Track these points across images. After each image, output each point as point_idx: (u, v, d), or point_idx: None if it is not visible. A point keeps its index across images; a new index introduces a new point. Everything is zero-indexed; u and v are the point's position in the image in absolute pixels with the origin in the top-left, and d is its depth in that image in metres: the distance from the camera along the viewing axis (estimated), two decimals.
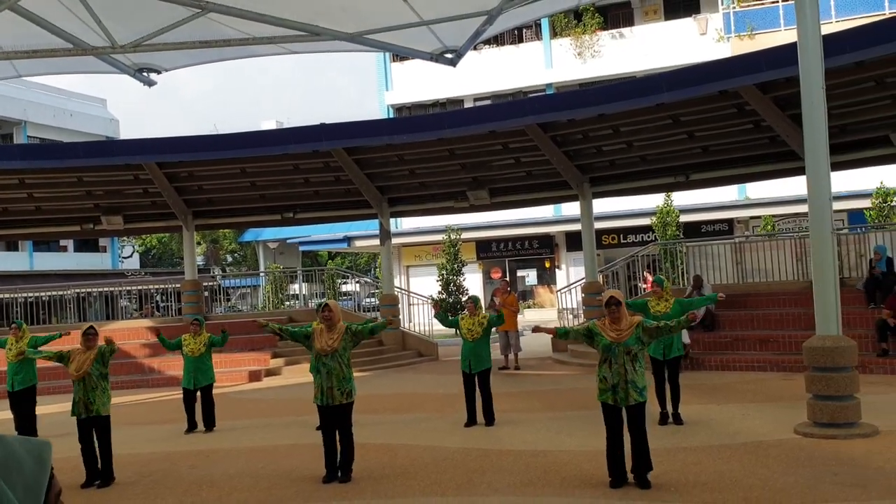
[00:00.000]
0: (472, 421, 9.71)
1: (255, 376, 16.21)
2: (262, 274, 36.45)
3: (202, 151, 16.00)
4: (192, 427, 10.75)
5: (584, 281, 17.54)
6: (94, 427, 7.88)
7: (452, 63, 16.98)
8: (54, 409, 13.52)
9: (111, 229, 18.15)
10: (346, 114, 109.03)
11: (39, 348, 10.85)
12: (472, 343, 9.68)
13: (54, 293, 23.30)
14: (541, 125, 15.09)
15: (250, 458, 8.79)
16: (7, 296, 22.28)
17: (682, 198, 23.94)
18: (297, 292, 31.18)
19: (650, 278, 17.24)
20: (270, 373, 16.65)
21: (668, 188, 16.96)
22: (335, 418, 7.46)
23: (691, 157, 15.80)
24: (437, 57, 16.72)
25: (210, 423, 10.80)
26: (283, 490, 7.35)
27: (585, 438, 8.54)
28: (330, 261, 47.93)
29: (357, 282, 38.60)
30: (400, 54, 16.02)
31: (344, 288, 32.14)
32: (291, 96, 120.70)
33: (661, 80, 13.61)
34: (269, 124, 44.81)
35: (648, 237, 27.44)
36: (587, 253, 17.05)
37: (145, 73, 17.26)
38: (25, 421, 10.94)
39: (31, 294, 24.01)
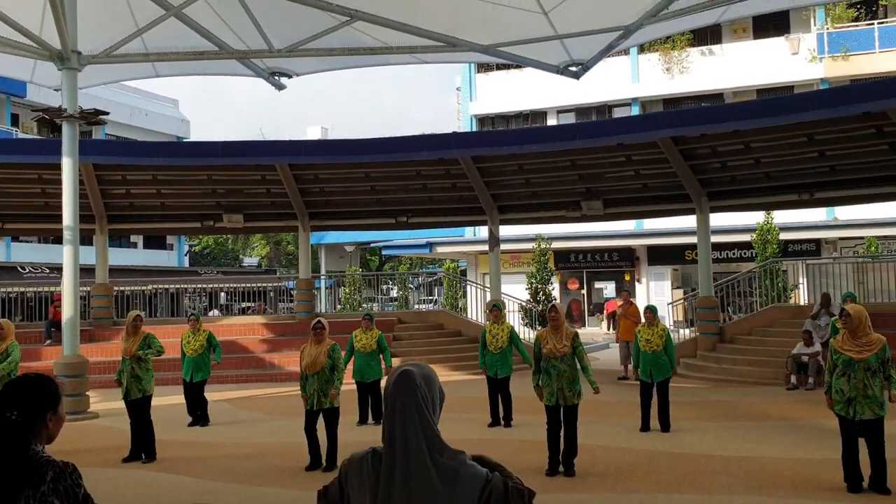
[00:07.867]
0: (646, 427, 9.98)
1: None
2: (322, 276, 37.13)
3: (337, 155, 16.41)
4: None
5: (697, 295, 17.72)
6: (324, 416, 8.19)
7: (576, 76, 17.26)
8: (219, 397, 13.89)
9: (231, 227, 18.59)
10: (385, 124, 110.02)
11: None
12: (651, 354, 9.92)
13: (159, 287, 23.83)
14: (673, 138, 15.32)
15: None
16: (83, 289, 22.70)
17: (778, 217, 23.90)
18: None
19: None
20: None
21: (791, 205, 17.05)
22: (564, 417, 7.74)
23: (818, 174, 15.88)
24: (562, 70, 17.04)
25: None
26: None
27: (785, 448, 8.76)
28: (399, 265, 48.41)
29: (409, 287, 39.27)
30: (526, 65, 16.32)
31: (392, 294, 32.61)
32: (332, 106, 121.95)
33: (807, 100, 13.79)
34: (314, 131, 45.65)
35: (733, 254, 27.51)
36: (702, 268, 17.17)
37: (276, 77, 17.79)
38: (199, 407, 11.33)
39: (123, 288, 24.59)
